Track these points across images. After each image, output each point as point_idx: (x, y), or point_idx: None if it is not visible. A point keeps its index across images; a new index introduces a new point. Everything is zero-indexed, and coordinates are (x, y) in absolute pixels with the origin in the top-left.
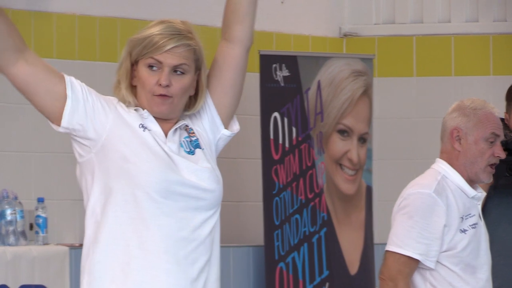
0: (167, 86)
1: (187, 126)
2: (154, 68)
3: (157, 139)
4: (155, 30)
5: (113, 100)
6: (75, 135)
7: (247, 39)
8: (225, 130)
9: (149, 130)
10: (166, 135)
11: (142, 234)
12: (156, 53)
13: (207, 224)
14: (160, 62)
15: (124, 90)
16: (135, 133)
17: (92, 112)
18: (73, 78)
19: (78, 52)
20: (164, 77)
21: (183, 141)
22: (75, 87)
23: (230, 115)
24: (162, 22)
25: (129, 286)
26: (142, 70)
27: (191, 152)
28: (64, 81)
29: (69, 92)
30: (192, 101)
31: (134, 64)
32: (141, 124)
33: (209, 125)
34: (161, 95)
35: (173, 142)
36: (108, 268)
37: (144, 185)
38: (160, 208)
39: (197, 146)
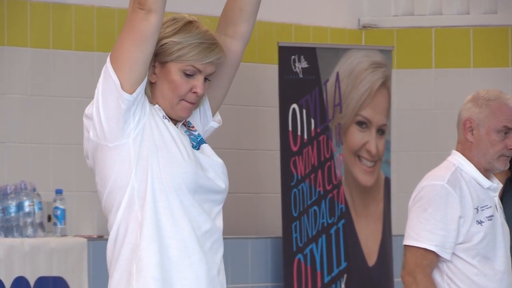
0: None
1: (185, 120)
2: (189, 74)
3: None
4: (194, 37)
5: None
6: (128, 112)
7: (249, 36)
8: (213, 122)
9: (168, 121)
10: None
11: (176, 224)
12: (199, 62)
13: (220, 217)
14: (200, 71)
15: (147, 85)
16: (164, 124)
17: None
18: None
19: (97, 43)
20: (201, 87)
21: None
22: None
23: (218, 107)
24: (193, 24)
25: (169, 275)
26: (175, 74)
27: (195, 147)
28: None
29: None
30: None
31: (156, 61)
32: (163, 115)
33: (200, 117)
34: (191, 102)
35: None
36: (152, 254)
37: (177, 177)
38: (188, 199)
39: (202, 141)
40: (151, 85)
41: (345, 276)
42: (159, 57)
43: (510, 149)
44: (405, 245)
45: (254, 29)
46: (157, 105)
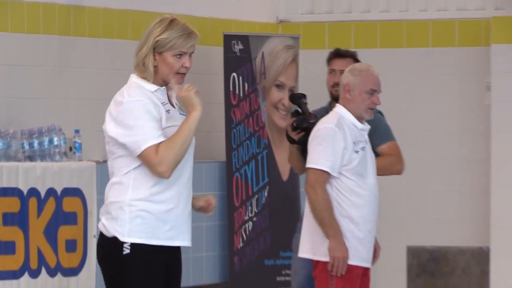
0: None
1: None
2: (179, 56)
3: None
4: (177, 31)
5: (153, 98)
6: None
7: None
8: None
9: (168, 108)
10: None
11: (175, 177)
12: (184, 47)
13: (190, 164)
14: (185, 52)
15: (152, 69)
16: (163, 116)
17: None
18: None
19: (117, 33)
20: (189, 62)
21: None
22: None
23: None
24: (174, 22)
25: (171, 213)
26: (170, 58)
27: (183, 114)
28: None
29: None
30: None
31: (155, 53)
32: (168, 111)
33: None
34: (183, 73)
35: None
36: (164, 199)
37: None
38: (182, 162)
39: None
40: (154, 68)
41: (267, 187)
42: (156, 49)
43: (375, 103)
44: (307, 167)
45: (207, 22)
46: (163, 88)
